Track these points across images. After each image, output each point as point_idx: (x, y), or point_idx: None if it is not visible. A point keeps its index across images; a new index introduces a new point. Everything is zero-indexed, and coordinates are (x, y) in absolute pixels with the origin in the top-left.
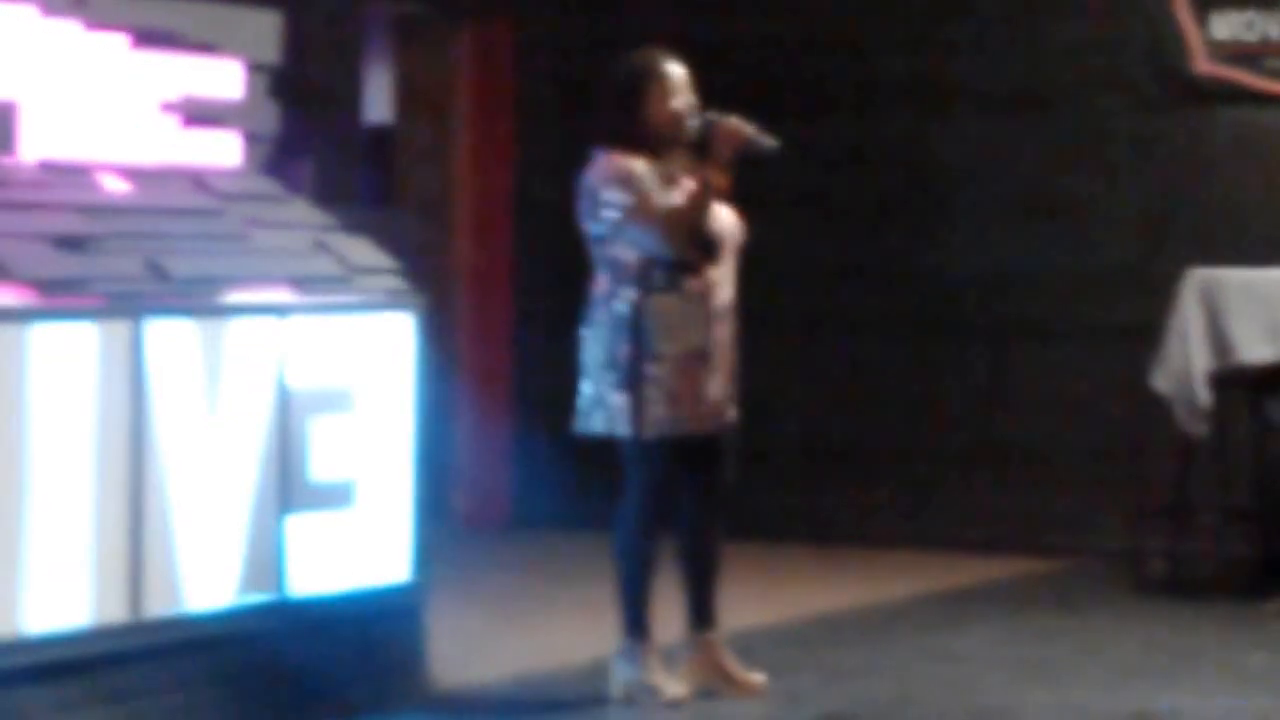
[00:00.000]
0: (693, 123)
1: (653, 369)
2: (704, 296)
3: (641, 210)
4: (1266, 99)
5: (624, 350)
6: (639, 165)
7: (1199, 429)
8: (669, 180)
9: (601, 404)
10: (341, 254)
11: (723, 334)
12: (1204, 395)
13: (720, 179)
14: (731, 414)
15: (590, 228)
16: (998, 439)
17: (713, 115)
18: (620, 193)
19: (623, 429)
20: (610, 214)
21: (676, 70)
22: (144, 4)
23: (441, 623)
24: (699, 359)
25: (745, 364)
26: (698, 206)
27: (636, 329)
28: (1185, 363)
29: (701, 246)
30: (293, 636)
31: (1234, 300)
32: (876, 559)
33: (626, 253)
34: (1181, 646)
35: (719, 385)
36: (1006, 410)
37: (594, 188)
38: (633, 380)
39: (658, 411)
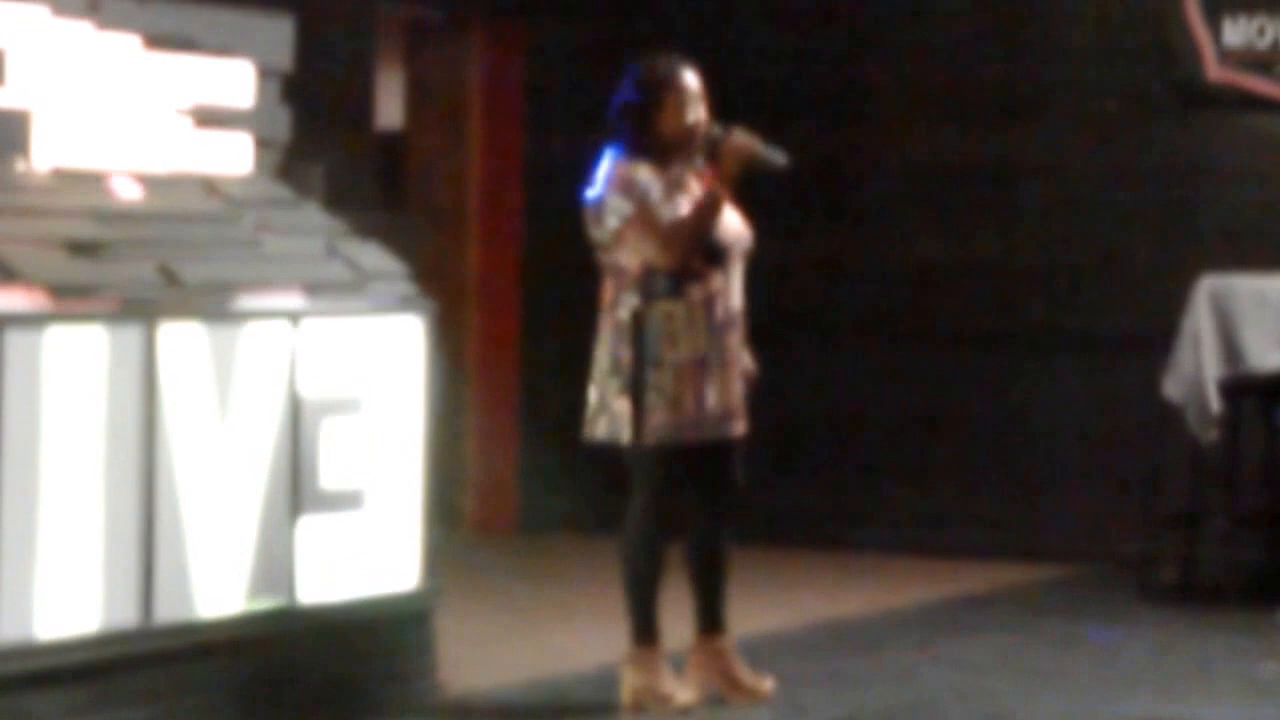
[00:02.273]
0: (715, 133)
1: (653, 375)
2: (707, 303)
3: (642, 220)
4: (1278, 106)
5: (626, 356)
6: (643, 173)
7: (1210, 436)
8: (677, 187)
9: (606, 410)
10: (352, 259)
11: (730, 341)
12: (1215, 402)
13: (726, 191)
14: (740, 421)
15: (595, 234)
16: (1008, 446)
17: (718, 130)
18: (623, 200)
19: (625, 435)
20: (613, 221)
21: (692, 81)
22: (156, 8)
23: (450, 628)
24: (700, 366)
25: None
26: (704, 218)
27: (638, 335)
28: (1197, 370)
29: (706, 254)
30: (302, 642)
31: (1245, 307)
32: (886, 566)
33: (629, 259)
34: (1192, 654)
35: (723, 393)
36: (1017, 417)
37: (599, 194)
38: (634, 386)
39: (659, 418)
